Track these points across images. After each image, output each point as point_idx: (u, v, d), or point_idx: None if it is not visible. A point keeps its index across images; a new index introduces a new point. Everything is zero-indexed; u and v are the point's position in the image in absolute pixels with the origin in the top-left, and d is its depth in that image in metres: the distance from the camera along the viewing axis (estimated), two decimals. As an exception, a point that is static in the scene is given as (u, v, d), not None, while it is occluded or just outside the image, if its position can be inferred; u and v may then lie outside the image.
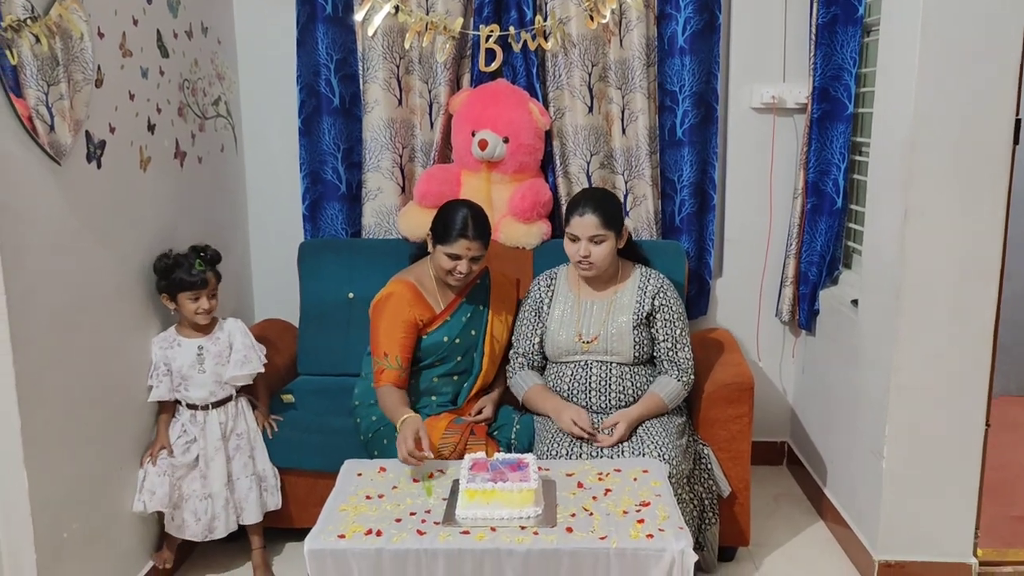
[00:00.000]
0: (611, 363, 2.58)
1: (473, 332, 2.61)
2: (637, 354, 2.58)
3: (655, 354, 2.63)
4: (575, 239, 2.54)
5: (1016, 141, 2.37)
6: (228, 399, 2.61)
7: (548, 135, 3.20)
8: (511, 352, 2.72)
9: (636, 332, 2.57)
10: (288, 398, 2.89)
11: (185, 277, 2.53)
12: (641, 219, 3.24)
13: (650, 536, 1.93)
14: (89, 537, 2.29)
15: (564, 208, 3.12)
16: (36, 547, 2.05)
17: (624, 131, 3.20)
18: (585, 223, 2.51)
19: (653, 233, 3.25)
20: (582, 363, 2.59)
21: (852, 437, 2.80)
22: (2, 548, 2.04)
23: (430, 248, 2.55)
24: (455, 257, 2.48)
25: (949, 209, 2.40)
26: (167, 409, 2.58)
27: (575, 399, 2.59)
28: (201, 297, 2.54)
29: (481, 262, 2.54)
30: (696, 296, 3.33)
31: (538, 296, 2.69)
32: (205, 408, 2.57)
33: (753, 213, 3.32)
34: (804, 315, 3.21)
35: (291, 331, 3.24)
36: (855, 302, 2.82)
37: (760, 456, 3.40)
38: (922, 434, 2.52)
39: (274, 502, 2.68)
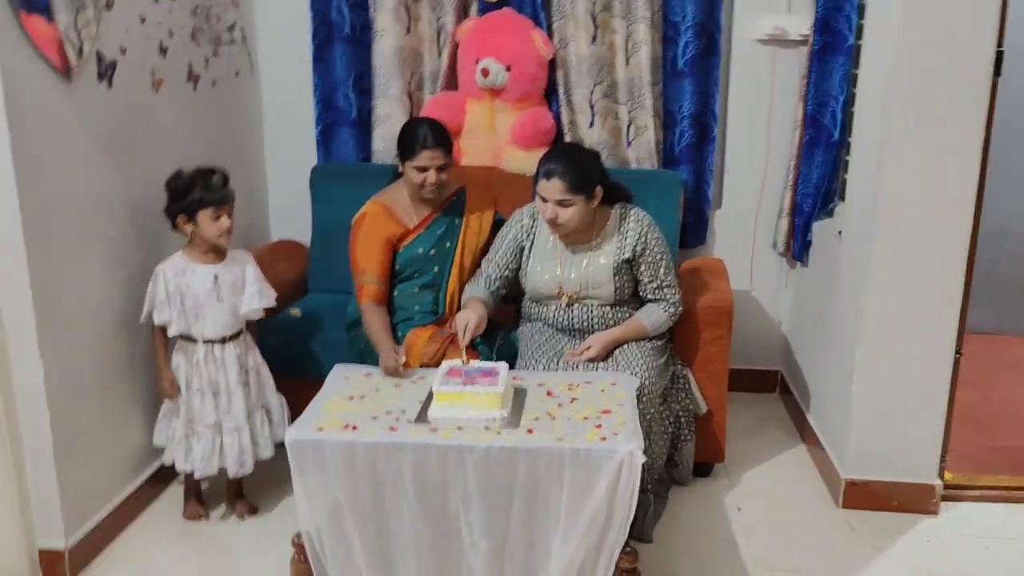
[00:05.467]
0: (592, 304, 2.62)
1: (448, 244, 2.74)
2: (619, 296, 2.61)
3: (640, 293, 2.65)
4: (544, 199, 2.49)
5: (998, 73, 2.37)
6: (239, 333, 2.59)
7: (552, 64, 3.26)
8: (478, 270, 2.74)
9: (617, 278, 2.58)
10: (296, 312, 3.07)
11: (206, 195, 2.44)
12: (643, 149, 3.30)
13: (604, 439, 2.05)
14: (103, 427, 2.50)
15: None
16: (52, 431, 2.27)
17: (628, 62, 3.25)
18: (551, 187, 2.45)
19: (654, 163, 3.31)
20: (563, 304, 2.63)
21: (829, 363, 2.88)
22: (23, 433, 2.27)
23: (401, 169, 2.70)
24: (423, 169, 2.62)
25: (926, 140, 2.42)
26: (165, 341, 2.53)
27: (557, 336, 2.65)
28: (222, 215, 2.46)
29: (449, 171, 2.67)
30: (694, 226, 3.39)
31: (519, 234, 2.67)
32: (222, 342, 2.54)
33: (753, 145, 3.35)
34: (798, 246, 3.26)
35: (301, 250, 3.42)
36: (841, 232, 2.87)
37: (753, 384, 3.51)
38: (892, 360, 2.58)
39: (283, 433, 2.63)
